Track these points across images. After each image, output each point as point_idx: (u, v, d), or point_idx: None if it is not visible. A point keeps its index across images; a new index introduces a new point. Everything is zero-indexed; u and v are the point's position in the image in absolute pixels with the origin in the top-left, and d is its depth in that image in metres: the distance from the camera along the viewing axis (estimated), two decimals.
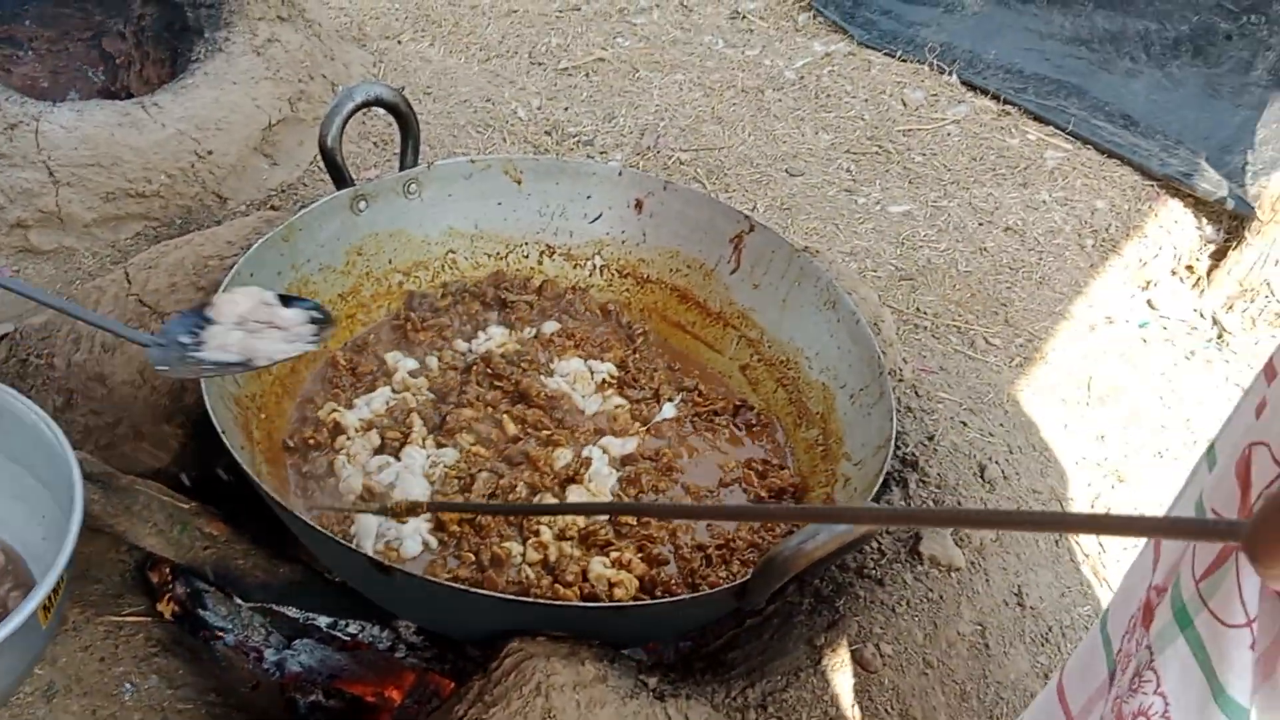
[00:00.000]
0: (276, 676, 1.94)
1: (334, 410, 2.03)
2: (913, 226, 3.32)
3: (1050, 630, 2.06)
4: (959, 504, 2.17)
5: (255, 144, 2.94)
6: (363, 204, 2.20)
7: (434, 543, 1.83)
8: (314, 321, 1.82)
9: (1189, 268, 3.31)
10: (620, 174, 2.37)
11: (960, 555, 2.05)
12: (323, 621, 1.92)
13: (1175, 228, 3.40)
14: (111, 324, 1.75)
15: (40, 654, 1.69)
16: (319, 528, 1.59)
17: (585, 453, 2.01)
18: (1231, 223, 3.37)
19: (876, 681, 1.82)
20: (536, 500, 1.90)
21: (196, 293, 2.05)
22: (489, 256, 2.41)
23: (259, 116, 2.94)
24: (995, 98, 3.94)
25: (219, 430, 1.64)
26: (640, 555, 1.85)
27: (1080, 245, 3.34)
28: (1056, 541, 2.24)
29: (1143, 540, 1.35)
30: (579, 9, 4.28)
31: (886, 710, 1.80)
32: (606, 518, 1.90)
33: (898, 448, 2.26)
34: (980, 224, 3.36)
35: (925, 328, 2.96)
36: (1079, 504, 2.49)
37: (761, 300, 2.28)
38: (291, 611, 1.92)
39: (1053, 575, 2.16)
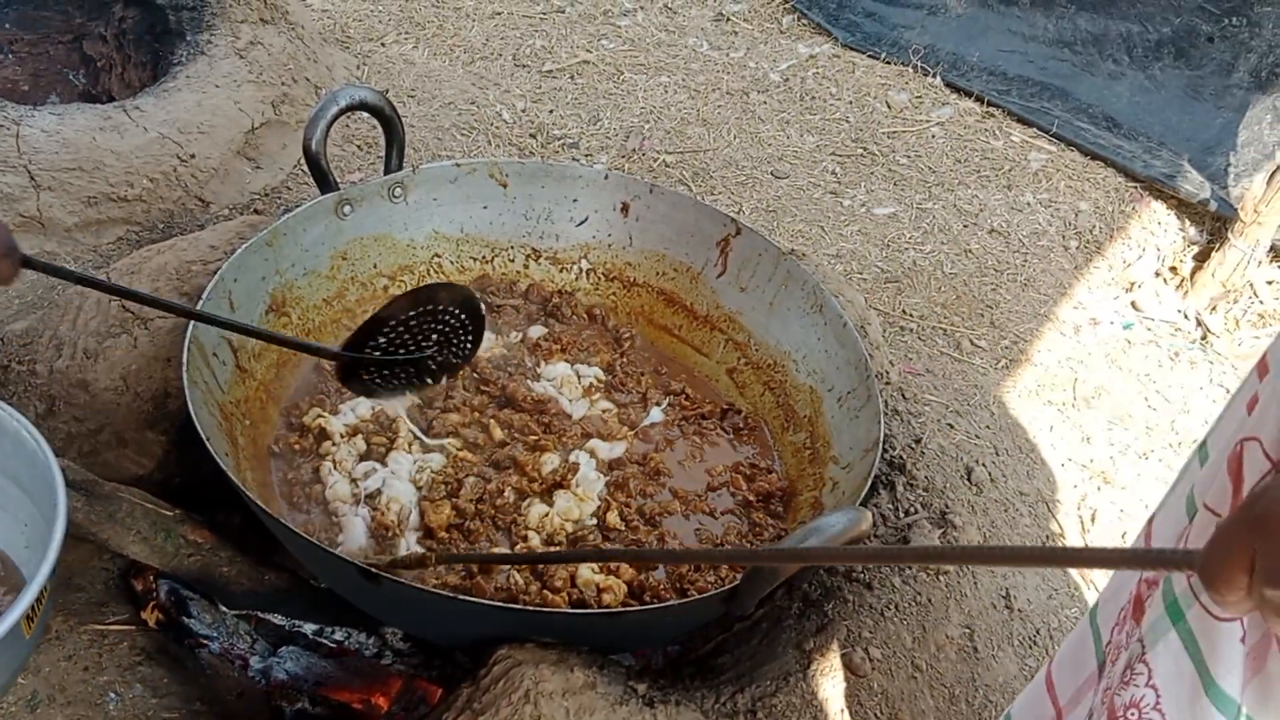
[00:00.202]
0: (262, 684, 1.93)
1: (319, 416, 2.01)
2: (898, 229, 3.33)
3: (1038, 632, 2.06)
4: (946, 506, 2.17)
5: (238, 147, 2.92)
6: (347, 208, 2.18)
7: (421, 550, 1.82)
8: None
9: (1172, 269, 3.33)
10: (606, 177, 2.37)
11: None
12: (308, 628, 1.90)
13: (1159, 229, 3.42)
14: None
15: (24, 664, 1.67)
16: (305, 535, 1.58)
17: (573, 457, 2.00)
18: (1214, 224, 3.39)
19: (865, 686, 1.82)
20: (525, 506, 1.89)
21: (180, 298, 2.03)
22: (475, 260, 2.40)
23: (242, 120, 2.92)
24: (979, 100, 3.96)
25: (203, 437, 1.63)
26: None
27: (1064, 247, 3.35)
28: (1044, 543, 2.24)
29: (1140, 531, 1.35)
30: (563, 11, 4.27)
31: (876, 715, 1.79)
32: (595, 522, 1.90)
33: (885, 451, 2.26)
34: (965, 226, 3.37)
35: (911, 330, 2.96)
36: (1066, 505, 2.50)
37: (748, 304, 2.28)
38: (277, 618, 1.90)
39: (1040, 577, 2.16)
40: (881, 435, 1.87)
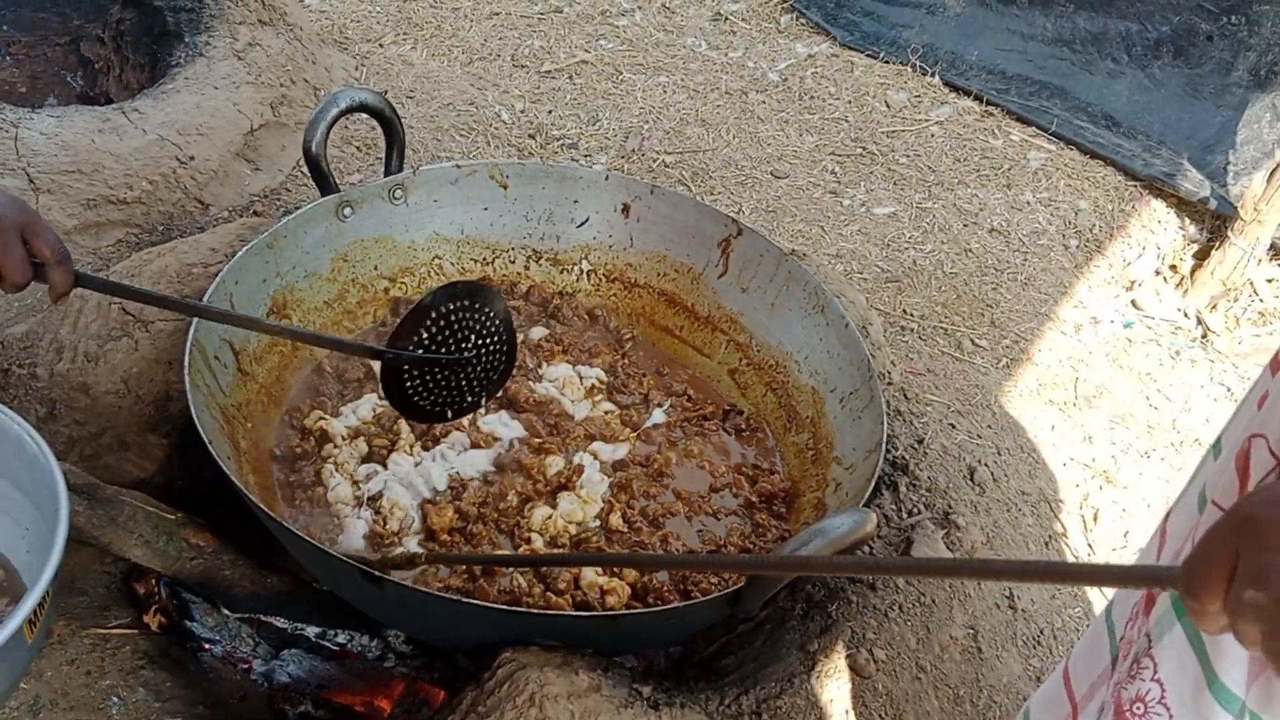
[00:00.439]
0: (265, 687, 1.92)
1: (321, 418, 2.01)
2: (898, 228, 3.33)
3: (1042, 633, 2.06)
4: (949, 506, 2.17)
5: (237, 149, 2.91)
6: (348, 210, 2.18)
7: (420, 551, 1.82)
8: None
9: (1173, 267, 3.33)
10: (607, 178, 2.36)
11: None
12: (311, 631, 1.90)
13: (1158, 228, 3.42)
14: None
15: (26, 668, 1.66)
16: (307, 537, 1.58)
17: (576, 459, 2.00)
18: (1214, 222, 3.39)
19: (870, 687, 1.82)
20: (528, 509, 1.89)
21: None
22: (475, 262, 2.39)
23: (240, 121, 2.91)
24: (978, 99, 3.96)
25: (205, 440, 1.63)
26: None
27: (1064, 246, 3.35)
28: (1047, 543, 2.24)
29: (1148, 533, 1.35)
30: (561, 11, 4.26)
31: (880, 716, 1.79)
32: (598, 524, 1.89)
33: (887, 451, 2.26)
34: (965, 225, 3.37)
35: (912, 329, 2.96)
36: (1068, 505, 2.50)
37: (750, 304, 2.28)
38: (279, 621, 1.89)
39: None
40: (885, 436, 1.86)
